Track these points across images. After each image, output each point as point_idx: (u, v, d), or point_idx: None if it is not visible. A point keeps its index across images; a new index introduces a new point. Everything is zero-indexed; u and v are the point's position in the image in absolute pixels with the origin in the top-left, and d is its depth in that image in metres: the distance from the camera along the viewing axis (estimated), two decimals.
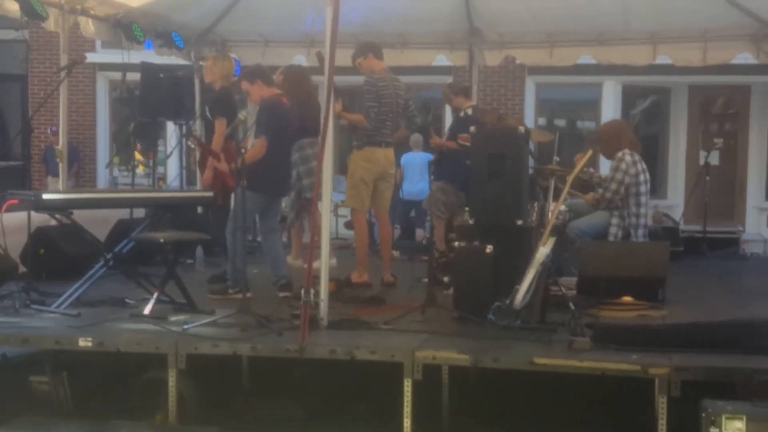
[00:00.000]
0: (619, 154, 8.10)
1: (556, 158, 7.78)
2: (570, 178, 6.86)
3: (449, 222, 9.05)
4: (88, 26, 9.40)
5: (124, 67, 10.54)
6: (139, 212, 9.31)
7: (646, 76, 14.94)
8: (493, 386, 6.30)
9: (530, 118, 16.54)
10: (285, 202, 8.90)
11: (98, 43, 15.81)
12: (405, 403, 5.52)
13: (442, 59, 11.84)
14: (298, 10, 10.24)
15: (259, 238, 9.10)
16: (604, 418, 6.13)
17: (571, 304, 6.43)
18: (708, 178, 12.36)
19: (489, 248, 6.53)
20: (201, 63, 10.02)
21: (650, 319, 6.64)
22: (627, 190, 8.03)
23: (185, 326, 6.19)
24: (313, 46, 10.71)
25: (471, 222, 6.93)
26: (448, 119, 13.55)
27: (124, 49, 9.95)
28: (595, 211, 8.35)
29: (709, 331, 5.71)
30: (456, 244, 6.83)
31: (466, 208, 7.14)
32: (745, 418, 4.67)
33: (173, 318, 6.53)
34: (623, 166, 8.02)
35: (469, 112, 9.23)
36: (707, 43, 10.34)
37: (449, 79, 13.62)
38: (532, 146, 7.72)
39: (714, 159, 15.21)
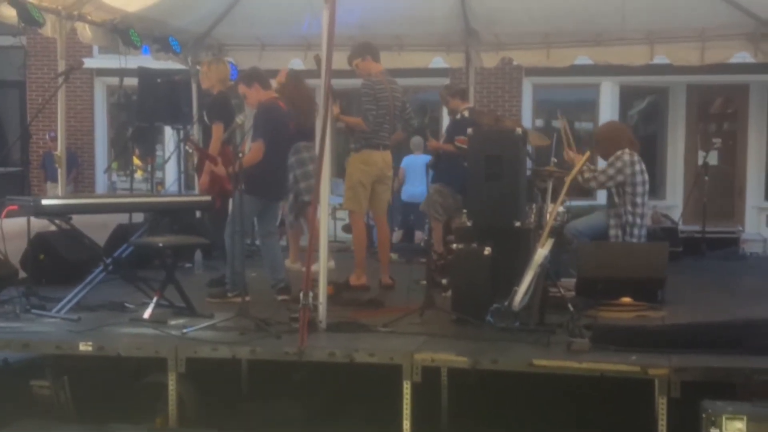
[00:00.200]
0: (618, 152, 8.09)
1: (553, 159, 7.78)
2: (568, 179, 6.85)
3: (447, 224, 9.06)
4: (85, 32, 9.40)
5: (122, 73, 10.53)
6: (138, 217, 9.33)
7: (644, 76, 14.96)
8: (492, 388, 6.31)
9: (527, 119, 16.55)
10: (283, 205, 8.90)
11: (95, 48, 15.81)
12: (404, 406, 5.52)
13: (438, 61, 11.85)
14: (295, 13, 10.24)
15: (257, 242, 9.10)
16: (603, 420, 6.13)
17: (569, 306, 6.44)
18: (707, 178, 12.36)
19: (487, 250, 6.54)
20: (198, 67, 10.02)
21: (649, 319, 6.64)
22: (622, 189, 8.02)
23: (185, 330, 6.20)
24: (309, 50, 10.71)
25: (469, 224, 6.94)
26: (446, 121, 13.56)
27: (121, 55, 9.96)
28: (594, 211, 8.35)
29: (709, 331, 5.71)
30: (454, 246, 6.85)
31: (464, 210, 7.14)
32: (745, 418, 4.67)
33: (173, 322, 6.53)
34: (619, 164, 8.01)
35: (466, 114, 9.23)
36: (705, 43, 10.33)
37: (446, 81, 13.63)
38: (529, 148, 7.71)
39: (713, 159, 15.24)
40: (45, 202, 6.68)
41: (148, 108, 10.99)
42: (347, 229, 11.24)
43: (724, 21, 10.00)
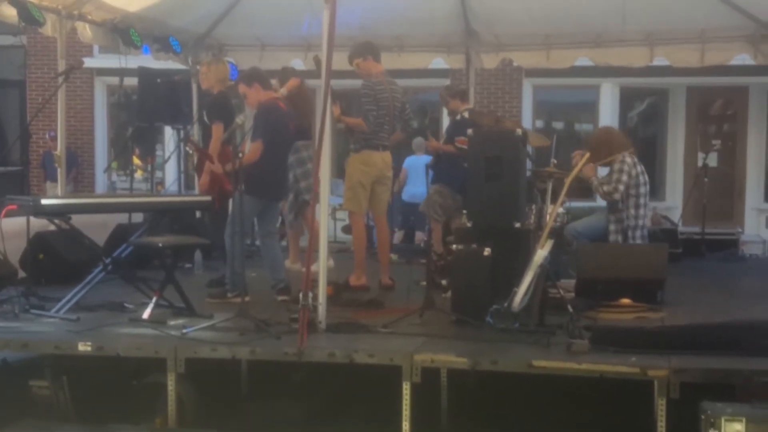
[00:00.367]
0: (620, 157, 8.09)
1: (553, 160, 7.77)
2: (568, 180, 6.85)
3: (447, 225, 9.06)
4: (85, 31, 9.40)
5: (122, 72, 10.52)
6: (138, 217, 9.33)
7: (644, 78, 14.96)
8: (492, 389, 6.31)
9: (528, 120, 16.54)
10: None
11: (96, 48, 15.80)
12: (404, 406, 5.52)
13: (439, 62, 11.84)
14: (295, 13, 10.24)
15: (257, 242, 9.10)
16: (603, 421, 6.13)
17: (569, 307, 6.44)
18: (706, 179, 12.38)
19: (487, 251, 6.54)
20: (198, 67, 10.02)
21: (649, 321, 6.64)
22: (627, 191, 8.03)
23: (184, 330, 6.20)
24: (309, 50, 10.71)
25: (469, 225, 6.94)
26: (446, 122, 13.56)
27: (121, 54, 9.95)
28: (594, 212, 8.35)
29: (708, 332, 5.72)
30: (454, 246, 6.84)
31: (464, 211, 7.14)
32: (744, 419, 4.67)
33: (172, 322, 6.54)
34: (626, 167, 8.01)
35: (466, 115, 9.21)
36: (705, 44, 10.33)
37: (446, 82, 13.63)
38: (529, 149, 7.71)
39: (712, 160, 15.23)
40: (44, 201, 6.69)
41: (148, 108, 10.99)
42: (347, 229, 11.25)
43: (724, 23, 10.00)
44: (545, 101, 17.47)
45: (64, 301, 6.86)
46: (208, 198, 7.60)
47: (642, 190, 8.08)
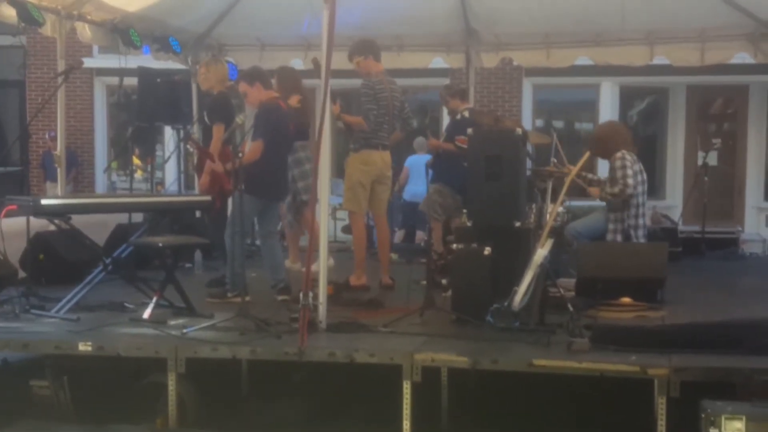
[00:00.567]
0: (619, 154, 8.10)
1: (553, 160, 7.79)
2: (568, 180, 6.86)
3: (447, 224, 9.06)
4: (85, 31, 9.40)
5: (122, 72, 10.53)
6: (138, 217, 9.33)
7: (644, 77, 14.96)
8: (492, 388, 6.30)
9: (527, 119, 16.55)
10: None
11: (95, 48, 15.78)
12: (404, 406, 5.53)
13: (438, 61, 11.85)
14: (295, 13, 10.25)
15: (257, 242, 9.10)
16: (603, 420, 6.13)
17: (569, 306, 6.43)
18: (706, 178, 12.38)
19: (487, 250, 6.54)
20: (198, 67, 10.02)
21: (649, 319, 6.64)
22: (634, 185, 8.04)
23: (185, 330, 6.20)
24: (309, 50, 10.72)
25: (469, 224, 6.94)
26: (446, 121, 13.56)
27: (121, 54, 9.96)
28: (593, 212, 8.36)
29: (708, 331, 5.72)
30: (454, 246, 6.84)
31: (464, 210, 7.14)
32: (744, 418, 4.67)
33: (172, 322, 6.53)
34: (627, 163, 8.01)
35: (466, 114, 9.22)
36: (705, 43, 10.35)
37: (446, 82, 13.60)
38: (529, 148, 7.71)
39: (712, 159, 15.22)
40: (44, 201, 6.68)
41: (148, 108, 10.98)
42: (347, 229, 11.24)
43: (724, 22, 10.01)
44: (545, 100, 17.46)
45: (64, 301, 6.86)
46: (208, 198, 7.59)
47: (640, 189, 8.09)
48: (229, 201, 7.88)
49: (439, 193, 8.94)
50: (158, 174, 16.49)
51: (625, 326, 6.19)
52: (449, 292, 7.01)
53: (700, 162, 13.89)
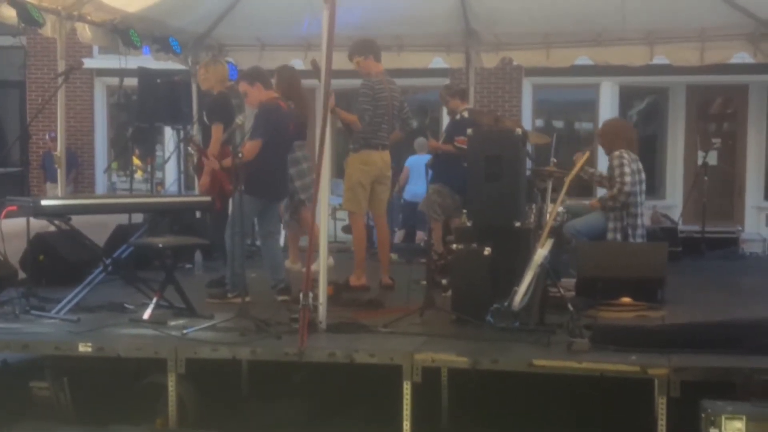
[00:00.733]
0: (617, 153, 8.12)
1: (553, 160, 7.77)
2: (568, 179, 6.86)
3: (447, 224, 9.06)
4: (85, 32, 9.40)
5: (122, 73, 10.52)
6: (138, 217, 9.33)
7: (644, 77, 14.95)
8: (492, 388, 6.30)
9: (527, 119, 16.54)
10: None
11: (95, 48, 15.79)
12: (404, 406, 5.53)
13: (438, 61, 11.85)
14: (295, 13, 10.24)
15: (257, 242, 9.09)
16: (603, 420, 6.13)
17: (569, 306, 6.43)
18: (706, 178, 12.37)
19: (487, 250, 6.54)
20: (198, 67, 10.02)
21: (649, 319, 6.65)
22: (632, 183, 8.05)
23: (184, 331, 6.20)
24: (309, 50, 10.72)
25: (469, 224, 6.94)
26: (445, 121, 13.55)
27: (121, 55, 9.96)
28: (591, 213, 8.37)
29: (708, 331, 5.72)
30: (454, 246, 6.84)
31: (464, 210, 7.14)
32: (744, 418, 4.67)
33: (172, 323, 6.54)
34: (625, 161, 8.03)
35: (466, 114, 9.22)
36: (704, 43, 10.34)
37: (446, 82, 13.59)
38: (529, 148, 7.72)
39: (712, 159, 15.21)
40: (44, 202, 6.68)
41: (148, 108, 10.99)
42: (347, 229, 11.24)
43: (724, 21, 10.00)
44: (545, 100, 17.45)
45: (64, 302, 6.85)
46: (208, 198, 7.59)
47: (636, 188, 8.09)
48: (230, 201, 7.87)
49: (439, 193, 8.93)
50: (158, 174, 16.48)
51: (625, 326, 6.19)
52: (449, 292, 7.01)
53: (699, 162, 13.87)
